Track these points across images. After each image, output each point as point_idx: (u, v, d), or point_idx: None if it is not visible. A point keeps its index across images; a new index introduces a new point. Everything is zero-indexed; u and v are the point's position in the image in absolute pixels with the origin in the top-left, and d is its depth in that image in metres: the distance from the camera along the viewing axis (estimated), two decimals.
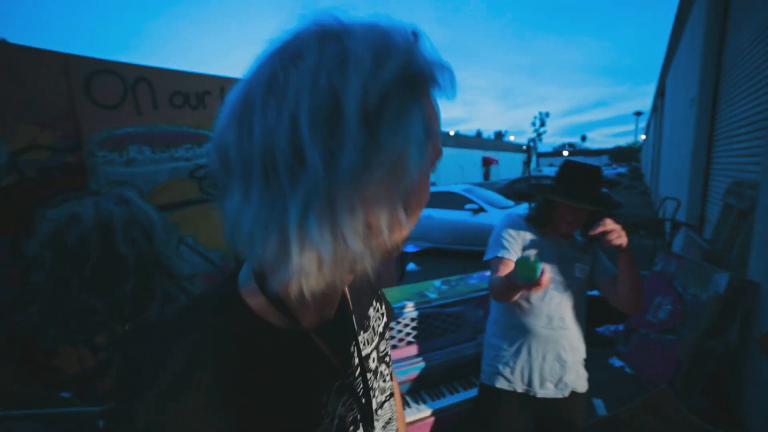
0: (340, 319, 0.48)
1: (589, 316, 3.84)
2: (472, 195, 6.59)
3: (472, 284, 2.07)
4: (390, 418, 0.58)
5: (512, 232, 1.38)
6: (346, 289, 0.52)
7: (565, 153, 50.93)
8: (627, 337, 3.16)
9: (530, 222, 1.40)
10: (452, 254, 6.60)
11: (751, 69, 3.09)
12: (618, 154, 43.35)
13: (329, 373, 0.45)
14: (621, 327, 3.34)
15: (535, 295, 1.36)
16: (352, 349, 0.49)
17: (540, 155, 45.41)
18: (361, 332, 0.52)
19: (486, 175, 41.99)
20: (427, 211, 6.73)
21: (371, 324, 0.56)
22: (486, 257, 1.41)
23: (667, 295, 2.85)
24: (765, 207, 2.10)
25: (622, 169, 29.32)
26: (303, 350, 0.42)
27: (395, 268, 3.02)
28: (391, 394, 0.59)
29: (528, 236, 1.38)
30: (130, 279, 0.70)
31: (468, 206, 6.38)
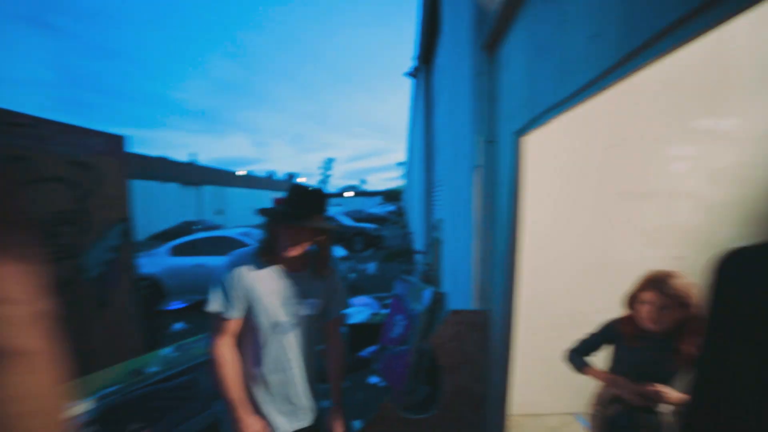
0: None
1: (353, 342, 4.19)
2: (250, 239, 6.39)
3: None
4: None
5: (234, 275, 1.30)
6: None
7: (349, 194, 57.80)
8: (380, 355, 3.67)
9: (259, 255, 1.33)
10: None
11: (443, 141, 4.39)
12: (389, 196, 52.75)
13: None
14: (377, 347, 3.85)
15: (257, 341, 1.33)
16: None
17: (328, 196, 50.05)
18: None
19: None
20: (198, 260, 6.05)
21: None
22: (207, 307, 1.29)
23: (402, 313, 3.51)
24: (445, 238, 2.93)
25: (392, 208, 35.57)
26: None
27: (134, 333, 2.47)
28: None
29: (253, 275, 1.31)
30: None
31: None
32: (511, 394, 1.74)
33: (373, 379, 3.56)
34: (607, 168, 2.21)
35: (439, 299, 2.98)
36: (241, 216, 32.03)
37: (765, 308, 0.49)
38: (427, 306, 3.03)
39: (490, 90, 1.69)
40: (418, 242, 6.52)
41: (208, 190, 27.82)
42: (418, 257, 5.71)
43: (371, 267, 8.93)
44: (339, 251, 7.15)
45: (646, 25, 0.65)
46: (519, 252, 1.44)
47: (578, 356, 1.65)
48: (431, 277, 3.63)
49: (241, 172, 34.53)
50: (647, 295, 1.44)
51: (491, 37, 1.64)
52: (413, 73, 6.56)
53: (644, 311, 1.45)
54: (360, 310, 4.58)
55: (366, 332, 4.10)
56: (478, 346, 1.87)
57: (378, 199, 53.21)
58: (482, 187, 1.84)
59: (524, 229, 1.60)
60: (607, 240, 2.30)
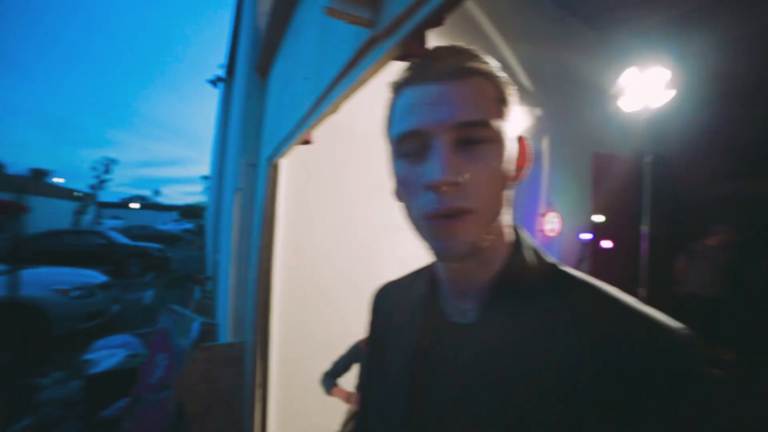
0: None
1: (92, 399, 3.25)
2: None
3: None
4: None
5: None
6: None
7: (135, 205, 47.46)
8: (132, 410, 2.95)
9: None
10: None
11: (230, 158, 4.10)
12: (187, 212, 46.16)
13: None
14: (128, 399, 3.09)
15: None
16: None
17: (103, 205, 39.19)
18: None
19: (2, 228, 30.19)
20: None
21: None
22: None
23: (164, 351, 2.95)
24: (221, 262, 2.66)
25: (189, 225, 31.10)
26: None
27: None
28: None
29: None
30: None
31: None
32: (272, 427, 1.65)
33: None
34: (372, 204, 2.52)
35: (208, 332, 2.65)
36: None
37: (382, 329, 0.58)
38: (195, 340, 2.65)
39: (258, 113, 1.66)
40: (210, 267, 5.84)
41: None
42: (207, 284, 5.10)
43: (148, 295, 7.41)
44: (98, 277, 5.60)
45: (327, 73, 0.73)
46: (270, 278, 1.41)
47: (329, 378, 1.72)
48: (206, 307, 3.24)
49: None
50: None
51: (262, 61, 1.63)
52: (214, 82, 6.05)
53: None
54: (111, 353, 3.63)
55: (115, 382, 3.28)
56: (232, 383, 1.71)
57: (173, 214, 45.77)
58: (241, 210, 1.76)
59: (275, 256, 1.59)
60: (372, 266, 2.60)
